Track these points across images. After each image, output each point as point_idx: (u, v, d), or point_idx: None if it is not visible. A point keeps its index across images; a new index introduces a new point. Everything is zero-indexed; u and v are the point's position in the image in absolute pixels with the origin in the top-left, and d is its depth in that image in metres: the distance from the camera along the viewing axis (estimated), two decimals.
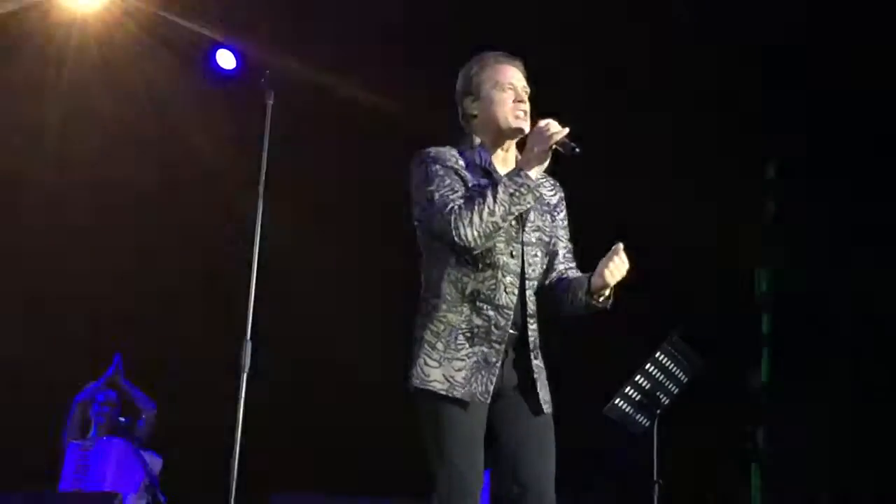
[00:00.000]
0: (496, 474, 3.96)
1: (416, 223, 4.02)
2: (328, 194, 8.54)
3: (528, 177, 3.84)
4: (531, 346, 3.99)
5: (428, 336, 3.92)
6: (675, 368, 5.71)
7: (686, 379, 5.80)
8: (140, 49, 8.54)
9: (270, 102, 4.81)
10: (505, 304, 3.91)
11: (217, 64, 8.72)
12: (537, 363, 4.01)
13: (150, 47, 8.54)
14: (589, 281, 3.96)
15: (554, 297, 4.09)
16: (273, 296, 4.94)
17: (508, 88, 4.06)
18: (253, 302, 4.38)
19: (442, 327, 3.92)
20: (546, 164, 3.88)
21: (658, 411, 5.67)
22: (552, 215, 4.16)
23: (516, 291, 3.94)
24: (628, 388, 5.57)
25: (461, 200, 3.85)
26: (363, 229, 8.19)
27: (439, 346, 3.90)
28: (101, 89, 8.63)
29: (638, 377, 5.60)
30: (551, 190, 4.22)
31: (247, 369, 4.28)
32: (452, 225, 3.79)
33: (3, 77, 8.43)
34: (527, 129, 4.01)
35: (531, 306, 3.99)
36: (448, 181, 3.92)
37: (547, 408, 3.99)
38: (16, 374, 8.55)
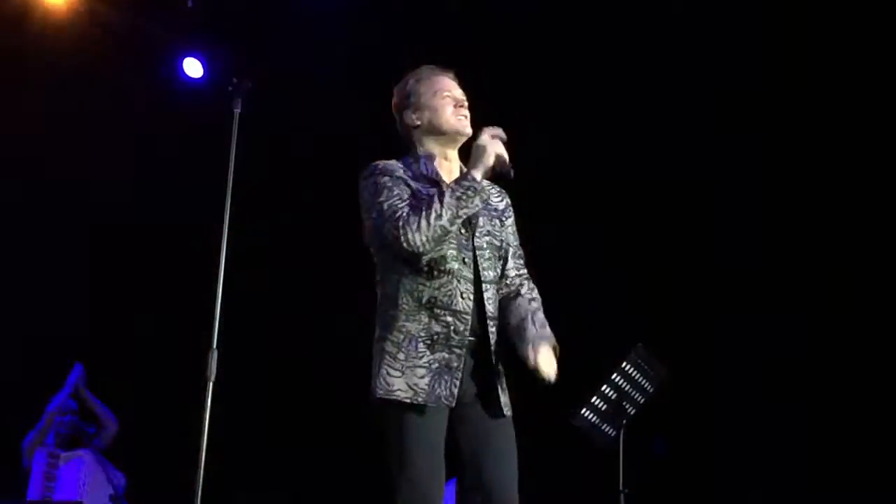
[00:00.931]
0: (460, 480, 4.01)
1: (367, 235, 4.09)
2: (297, 202, 8.56)
3: (474, 180, 3.94)
4: (492, 348, 4.04)
5: (388, 347, 3.97)
6: (640, 378, 5.73)
7: (652, 388, 5.82)
8: (107, 55, 8.53)
9: (238, 111, 4.80)
10: (462, 309, 3.98)
11: (184, 72, 8.73)
12: (500, 367, 4.07)
13: (116, 53, 8.53)
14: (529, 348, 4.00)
15: (503, 317, 4.16)
16: (240, 303, 4.93)
17: (447, 95, 4.20)
18: (220, 311, 4.36)
19: (401, 337, 3.98)
20: (488, 165, 3.96)
21: (624, 421, 5.68)
22: (501, 220, 4.27)
23: (472, 296, 4.01)
24: (595, 398, 5.58)
25: (408, 208, 3.92)
26: (335, 235, 8.22)
27: (400, 355, 3.95)
28: (69, 93, 8.62)
29: (604, 387, 5.61)
30: (498, 196, 4.34)
31: (213, 378, 4.26)
32: (400, 231, 3.87)
33: None
34: (469, 132, 4.17)
35: (490, 309, 4.07)
36: (396, 191, 4.01)
37: (507, 411, 4.05)
38: None
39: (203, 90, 8.69)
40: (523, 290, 4.28)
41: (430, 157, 4.21)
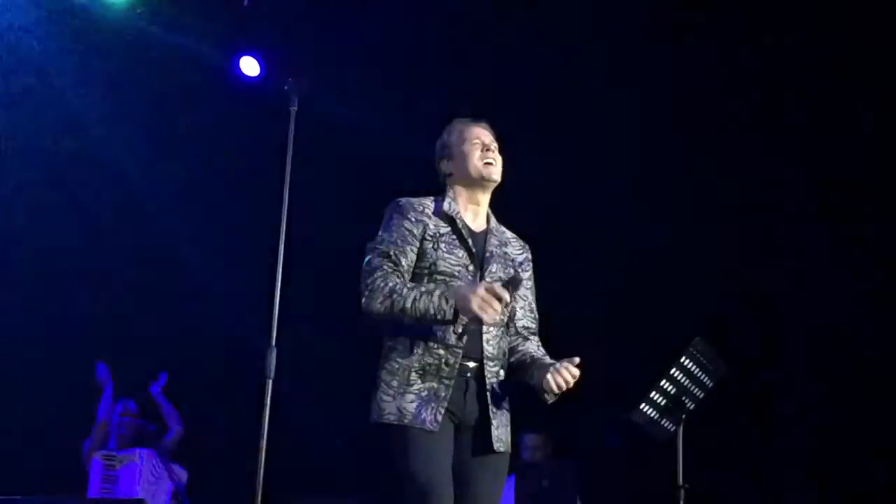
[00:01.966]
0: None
1: None
2: (353, 200, 8.57)
3: (454, 312, 4.05)
4: (487, 386, 4.25)
5: (384, 375, 4.22)
6: (699, 372, 5.68)
7: (711, 383, 5.78)
8: (165, 54, 8.57)
9: (294, 109, 4.81)
10: (454, 343, 4.17)
11: (241, 71, 8.75)
12: (495, 404, 4.27)
13: (174, 52, 8.58)
14: (540, 381, 4.20)
15: (511, 366, 4.40)
16: (298, 302, 4.96)
17: (476, 143, 4.45)
18: (277, 309, 4.38)
19: (396, 366, 4.22)
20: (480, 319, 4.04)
21: (684, 416, 5.64)
22: (515, 270, 4.46)
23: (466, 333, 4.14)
24: (653, 393, 5.55)
25: (388, 274, 4.18)
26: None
27: (394, 383, 4.19)
28: (128, 92, 8.68)
29: (663, 382, 5.58)
30: (519, 250, 4.58)
31: (272, 376, 4.28)
32: (366, 290, 4.16)
33: None
34: (496, 176, 4.45)
35: (489, 350, 4.27)
36: (395, 237, 4.26)
37: (500, 447, 4.27)
38: (38, 380, 8.59)
39: (260, 89, 8.72)
40: (534, 341, 4.53)
41: (457, 198, 4.44)
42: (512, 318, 4.47)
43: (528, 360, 4.37)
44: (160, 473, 7.71)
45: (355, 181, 8.51)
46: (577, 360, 4.19)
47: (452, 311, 4.06)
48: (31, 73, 8.49)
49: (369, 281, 4.17)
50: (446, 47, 8.31)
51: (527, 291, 4.55)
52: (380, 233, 4.30)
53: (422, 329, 4.19)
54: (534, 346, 4.49)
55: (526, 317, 4.53)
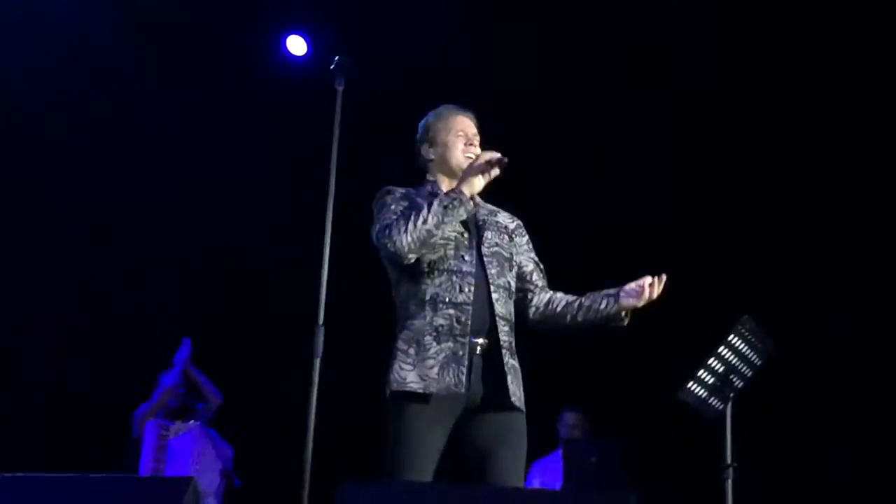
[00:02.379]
0: (468, 472, 4.33)
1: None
2: (401, 180, 8.56)
3: (461, 192, 4.36)
4: (503, 345, 4.38)
5: (400, 345, 4.37)
6: (748, 351, 5.65)
7: (759, 361, 5.75)
8: (210, 32, 8.59)
9: (341, 88, 4.80)
10: (462, 301, 4.35)
11: (288, 50, 8.75)
12: (513, 363, 4.43)
13: (221, 30, 8.59)
14: (612, 299, 4.50)
15: (555, 313, 4.64)
16: (345, 281, 4.96)
17: (460, 134, 4.63)
18: (325, 288, 4.39)
19: (411, 334, 4.36)
20: (480, 186, 4.41)
21: (732, 395, 5.62)
22: (510, 237, 4.66)
23: (472, 290, 4.37)
24: (702, 371, 5.53)
25: (398, 215, 4.38)
26: None
27: (411, 350, 4.32)
28: (172, 73, 8.70)
29: (711, 360, 5.55)
30: (509, 219, 4.76)
31: (320, 355, 4.30)
32: (388, 235, 4.33)
33: None
34: None
35: (499, 309, 4.43)
36: (394, 206, 4.46)
37: (519, 404, 4.37)
38: (85, 356, 8.64)
39: (306, 68, 8.72)
40: (558, 293, 4.70)
41: (440, 183, 4.63)
42: (524, 278, 4.66)
43: (577, 301, 4.60)
44: (210, 451, 7.75)
45: (401, 160, 8.50)
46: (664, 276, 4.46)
47: (461, 189, 4.35)
48: (77, 57, 8.52)
49: (387, 232, 4.34)
50: (496, 25, 8.26)
51: (530, 253, 4.75)
52: (378, 217, 4.48)
53: (431, 292, 4.35)
54: (562, 294, 4.68)
55: (536, 271, 4.72)
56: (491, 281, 4.43)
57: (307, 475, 4.16)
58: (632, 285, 4.48)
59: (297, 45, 8.75)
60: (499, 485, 4.20)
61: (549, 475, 7.97)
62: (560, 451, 8.08)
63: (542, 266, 4.75)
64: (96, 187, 8.81)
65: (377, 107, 7.80)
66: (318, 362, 4.29)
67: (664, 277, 4.48)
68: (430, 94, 7.65)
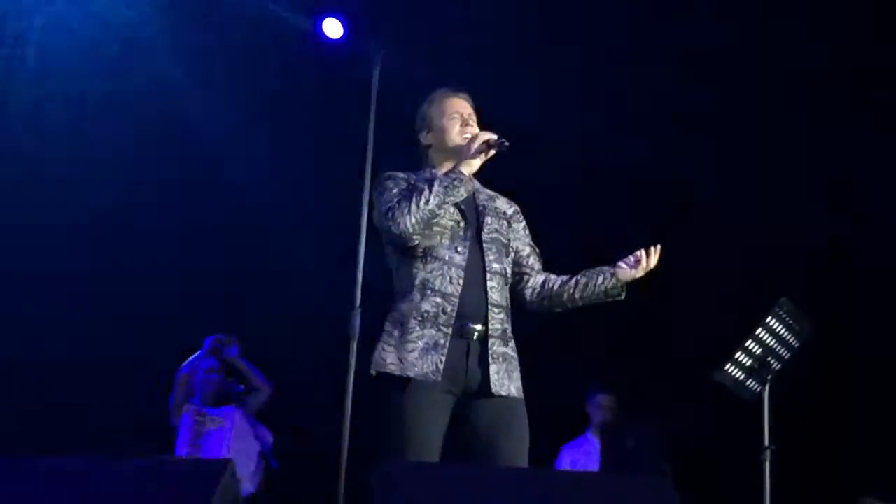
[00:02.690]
0: (472, 458, 4.33)
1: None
2: None
3: (461, 172, 4.38)
4: (493, 333, 4.41)
5: (387, 326, 4.41)
6: (785, 333, 5.64)
7: (797, 344, 5.74)
8: (245, 15, 8.59)
9: (377, 71, 4.81)
10: (450, 292, 4.37)
11: (324, 33, 8.74)
12: (503, 350, 4.44)
13: (255, 13, 8.59)
14: (608, 274, 4.56)
15: (552, 293, 4.68)
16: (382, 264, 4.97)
17: (454, 116, 4.64)
18: (361, 271, 4.40)
19: (397, 316, 4.40)
20: (478, 165, 4.43)
21: (769, 377, 5.61)
22: (509, 223, 4.71)
23: (461, 281, 4.40)
24: (739, 353, 5.52)
25: (400, 197, 4.37)
26: None
27: (395, 332, 4.36)
28: (207, 55, 8.71)
29: (748, 342, 5.54)
30: (507, 204, 4.79)
31: (356, 338, 4.31)
32: (391, 217, 4.32)
33: None
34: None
35: (493, 297, 4.46)
36: (395, 189, 4.46)
37: (503, 391, 4.38)
38: (122, 343, 8.68)
39: (342, 51, 8.71)
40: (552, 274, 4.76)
41: (439, 168, 4.62)
42: (520, 262, 4.73)
43: (573, 279, 4.65)
44: (248, 435, 7.76)
45: None
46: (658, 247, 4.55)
47: (461, 169, 4.38)
48: (118, 40, 8.54)
49: (391, 214, 4.34)
50: (538, 11, 8.23)
51: (526, 238, 4.80)
52: (380, 201, 4.45)
53: (421, 277, 4.38)
54: (556, 275, 4.75)
55: (533, 255, 4.77)
56: (488, 268, 4.48)
57: (344, 456, 4.18)
58: (628, 258, 4.56)
59: (333, 28, 8.73)
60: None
61: (579, 458, 7.95)
62: (588, 433, 8.08)
63: (538, 250, 4.82)
64: (133, 173, 8.85)
65: (413, 89, 7.79)
66: (354, 344, 4.31)
67: (659, 247, 4.54)
68: (467, 76, 7.67)
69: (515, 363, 4.50)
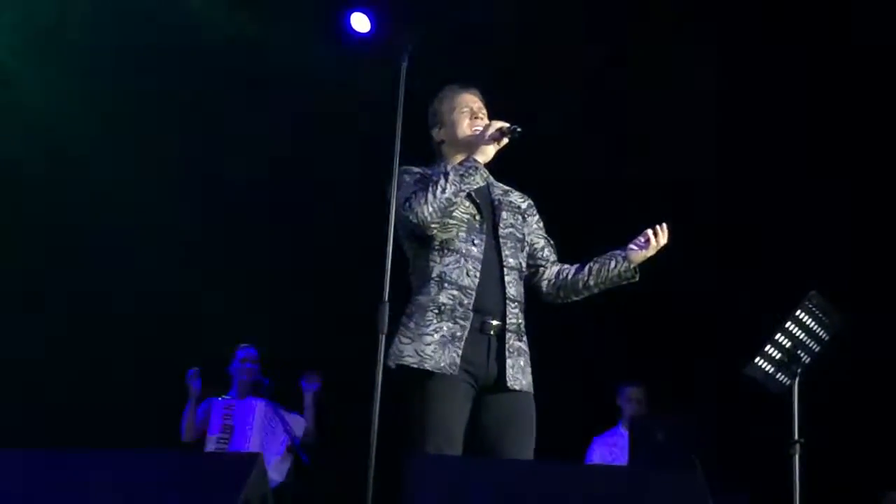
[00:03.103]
0: (482, 452, 4.39)
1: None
2: None
3: (475, 160, 4.45)
4: (509, 328, 4.47)
5: (404, 319, 4.50)
6: (815, 326, 5.62)
7: (827, 337, 5.72)
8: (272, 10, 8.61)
9: (405, 65, 4.80)
10: (467, 285, 4.44)
11: (352, 27, 8.75)
12: (519, 345, 4.51)
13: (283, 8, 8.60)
14: (620, 257, 4.61)
15: (567, 282, 4.73)
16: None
17: (464, 110, 4.72)
18: (390, 264, 4.40)
19: (414, 308, 4.49)
20: (492, 153, 4.52)
21: (799, 370, 5.59)
22: (523, 217, 4.77)
23: (478, 274, 4.45)
24: (768, 346, 5.50)
25: (417, 188, 4.44)
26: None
27: (411, 324, 4.44)
28: (235, 54, 8.73)
29: (778, 335, 5.53)
30: (521, 198, 4.87)
31: (385, 331, 4.31)
32: (409, 208, 4.40)
33: None
34: None
35: (510, 291, 4.52)
36: (411, 181, 4.54)
37: (517, 385, 4.44)
38: (156, 342, 8.73)
39: (370, 44, 8.71)
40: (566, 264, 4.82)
41: (452, 163, 4.65)
42: (535, 255, 4.79)
43: (586, 267, 4.71)
44: (275, 425, 7.80)
45: None
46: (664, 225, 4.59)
47: (475, 157, 4.46)
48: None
49: (408, 205, 4.41)
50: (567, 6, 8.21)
51: (540, 231, 4.87)
52: (398, 194, 4.46)
53: (438, 270, 4.46)
54: (570, 264, 4.82)
55: (547, 247, 4.84)
56: (504, 263, 4.55)
57: (373, 450, 4.19)
58: (637, 239, 4.60)
59: (360, 22, 8.74)
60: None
61: (608, 450, 7.95)
62: (619, 427, 8.08)
63: (552, 241, 4.89)
64: (160, 169, 8.91)
65: (441, 84, 7.78)
66: (382, 338, 4.31)
67: (665, 225, 4.59)
68: (495, 70, 7.67)
69: (527, 357, 4.56)
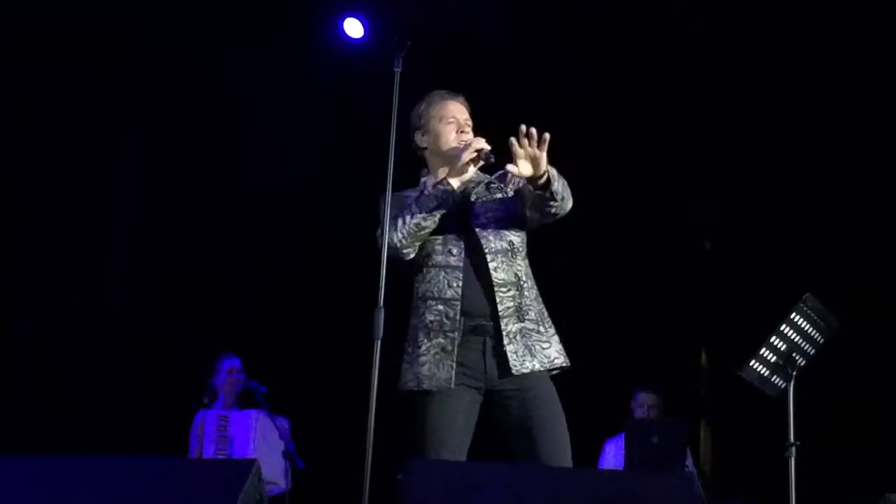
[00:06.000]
0: (514, 451, 4.38)
1: None
2: None
3: (448, 184, 4.39)
4: (507, 313, 4.41)
5: (404, 344, 4.53)
6: (810, 329, 5.64)
7: (822, 340, 5.73)
8: (263, 14, 8.62)
9: (398, 70, 4.79)
10: (450, 296, 4.41)
11: (345, 32, 8.76)
12: (519, 326, 4.43)
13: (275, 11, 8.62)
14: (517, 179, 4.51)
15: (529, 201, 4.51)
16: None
17: (451, 121, 4.62)
18: (385, 269, 4.40)
19: (409, 332, 4.54)
20: (468, 174, 4.46)
21: (794, 373, 5.60)
22: (504, 187, 4.64)
23: (460, 285, 4.41)
24: (763, 349, 5.52)
25: (391, 217, 4.38)
26: None
27: (409, 349, 4.49)
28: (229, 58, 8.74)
29: (773, 338, 5.54)
30: (497, 175, 4.67)
31: (380, 336, 4.31)
32: (380, 235, 4.38)
33: None
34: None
35: (500, 276, 4.44)
36: (386, 210, 4.41)
37: (524, 368, 4.39)
38: (152, 345, 8.72)
39: (363, 50, 8.72)
40: None
41: (434, 172, 4.64)
42: (523, 193, 4.54)
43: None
44: (273, 436, 7.75)
45: None
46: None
47: (449, 181, 4.40)
48: None
49: (379, 233, 4.41)
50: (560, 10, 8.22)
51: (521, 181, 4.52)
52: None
53: (422, 289, 4.49)
54: None
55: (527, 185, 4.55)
56: (488, 250, 4.46)
57: (369, 457, 4.19)
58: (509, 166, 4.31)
59: (354, 28, 8.75)
60: (548, 461, 4.25)
61: (620, 453, 7.96)
62: None
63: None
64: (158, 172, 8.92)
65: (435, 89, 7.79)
66: (378, 344, 4.30)
67: (526, 128, 4.24)
68: (489, 77, 7.68)
69: (537, 335, 4.48)
